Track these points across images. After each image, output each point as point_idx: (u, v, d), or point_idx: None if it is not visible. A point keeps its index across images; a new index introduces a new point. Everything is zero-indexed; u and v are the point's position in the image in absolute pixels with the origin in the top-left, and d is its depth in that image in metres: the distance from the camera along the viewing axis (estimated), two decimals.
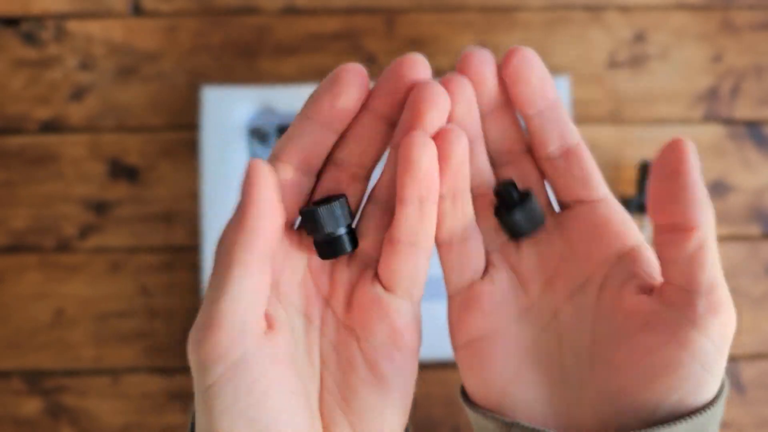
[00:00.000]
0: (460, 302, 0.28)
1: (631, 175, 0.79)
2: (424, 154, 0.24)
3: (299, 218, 0.29)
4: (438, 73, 0.80)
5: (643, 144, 0.80)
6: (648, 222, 0.80)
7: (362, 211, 0.29)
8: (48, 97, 0.80)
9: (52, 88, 0.81)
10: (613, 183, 0.80)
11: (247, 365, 0.24)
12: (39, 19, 0.82)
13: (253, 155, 0.76)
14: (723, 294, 0.23)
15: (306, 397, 0.26)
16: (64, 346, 0.78)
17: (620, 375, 0.24)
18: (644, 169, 0.77)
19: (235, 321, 0.23)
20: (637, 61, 0.81)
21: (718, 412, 0.23)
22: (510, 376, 0.27)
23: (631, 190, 0.79)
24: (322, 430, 0.27)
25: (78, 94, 0.80)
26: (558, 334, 0.27)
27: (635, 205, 0.79)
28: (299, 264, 0.28)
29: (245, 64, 0.81)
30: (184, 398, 0.77)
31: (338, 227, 0.27)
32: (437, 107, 0.25)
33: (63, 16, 0.82)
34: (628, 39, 0.82)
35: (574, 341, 0.26)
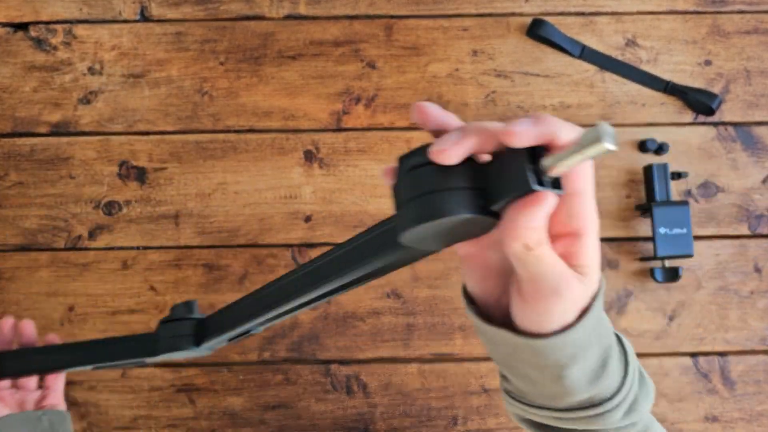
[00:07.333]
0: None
1: (625, 177, 0.81)
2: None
3: None
4: (434, 77, 0.83)
5: (635, 147, 0.82)
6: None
7: None
8: (58, 100, 0.82)
9: (62, 91, 0.83)
10: (612, 184, 0.82)
11: None
12: (49, 25, 0.84)
13: None
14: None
15: None
16: None
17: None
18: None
19: None
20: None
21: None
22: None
23: (630, 191, 0.81)
24: None
25: (88, 97, 0.83)
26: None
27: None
28: None
29: (250, 69, 0.83)
30: (190, 392, 0.79)
31: None
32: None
33: (72, 22, 0.84)
34: (620, 44, 0.84)
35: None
